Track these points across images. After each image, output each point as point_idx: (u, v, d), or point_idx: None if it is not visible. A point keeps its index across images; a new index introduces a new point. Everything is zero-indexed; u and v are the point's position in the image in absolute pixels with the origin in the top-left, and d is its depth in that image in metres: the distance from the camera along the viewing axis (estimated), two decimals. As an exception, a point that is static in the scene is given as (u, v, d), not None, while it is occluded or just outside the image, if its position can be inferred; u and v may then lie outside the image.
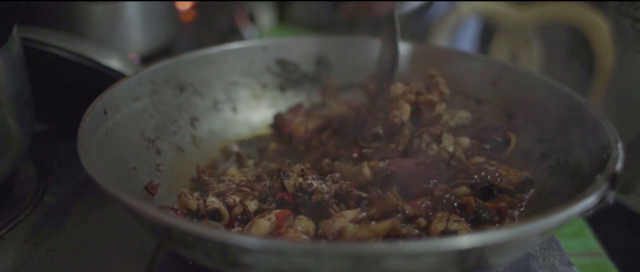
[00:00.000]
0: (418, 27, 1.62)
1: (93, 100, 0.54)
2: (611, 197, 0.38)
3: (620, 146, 0.44)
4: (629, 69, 0.77)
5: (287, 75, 0.71)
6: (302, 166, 0.52)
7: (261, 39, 0.70)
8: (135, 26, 1.05)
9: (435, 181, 0.52)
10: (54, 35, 0.73)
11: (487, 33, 1.61)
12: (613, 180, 0.39)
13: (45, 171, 0.69)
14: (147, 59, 1.07)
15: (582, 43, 1.41)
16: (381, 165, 0.53)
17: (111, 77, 0.72)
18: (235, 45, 0.69)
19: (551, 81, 0.58)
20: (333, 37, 0.72)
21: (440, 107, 0.59)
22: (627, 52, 0.79)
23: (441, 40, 1.57)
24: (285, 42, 0.70)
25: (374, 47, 0.70)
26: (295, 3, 1.69)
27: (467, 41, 1.72)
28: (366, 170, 0.52)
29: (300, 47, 0.70)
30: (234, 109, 0.69)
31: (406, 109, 0.57)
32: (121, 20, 1.02)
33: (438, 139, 0.54)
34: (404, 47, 0.69)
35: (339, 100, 0.70)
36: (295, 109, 0.69)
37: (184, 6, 1.41)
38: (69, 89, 0.75)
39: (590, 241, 0.65)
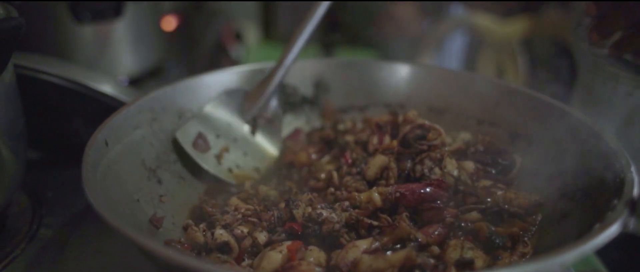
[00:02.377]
0: (404, 40, 1.63)
1: (87, 128, 0.53)
2: (632, 224, 0.38)
3: (634, 169, 0.44)
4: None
5: (286, 99, 0.70)
6: (310, 195, 0.51)
7: (259, 63, 0.69)
8: (123, 48, 1.03)
9: (444, 201, 0.52)
10: (46, 62, 0.71)
11: (474, 47, 1.63)
12: (633, 206, 0.38)
13: (39, 202, 0.67)
14: (136, 81, 1.06)
15: (565, 56, 1.42)
16: (389, 189, 0.52)
17: (104, 102, 0.71)
18: (233, 70, 0.68)
19: (556, 103, 0.58)
20: (331, 60, 0.71)
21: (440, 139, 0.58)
22: (608, 84, 0.81)
23: (428, 53, 1.58)
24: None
25: (371, 69, 0.70)
26: (281, 20, 1.70)
27: (453, 55, 1.73)
28: (376, 196, 0.51)
29: (299, 70, 0.69)
30: (233, 134, 0.67)
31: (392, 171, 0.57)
32: (110, 42, 1.01)
33: (440, 164, 0.54)
34: (404, 69, 0.68)
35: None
36: (294, 135, 0.68)
37: (169, 27, 1.40)
38: (61, 115, 0.74)
39: (592, 259, 0.65)
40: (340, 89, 0.71)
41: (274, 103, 0.67)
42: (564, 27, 1.41)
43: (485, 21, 1.56)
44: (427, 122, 0.57)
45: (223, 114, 0.65)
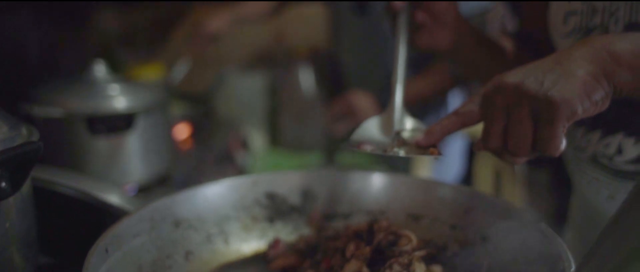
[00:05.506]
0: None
1: (94, 235, 0.59)
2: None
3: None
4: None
5: (275, 208, 0.76)
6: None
7: (252, 175, 0.76)
8: (134, 158, 1.11)
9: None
10: (60, 174, 0.79)
11: (472, 152, 1.69)
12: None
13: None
14: (145, 188, 1.13)
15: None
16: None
17: (110, 213, 0.78)
18: (228, 181, 0.75)
19: (513, 207, 0.64)
20: (318, 171, 0.78)
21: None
22: (591, 187, 0.85)
23: (427, 160, 1.64)
24: (274, 177, 0.77)
25: (353, 179, 0.76)
26: (285, 128, 1.79)
27: (454, 156, 1.79)
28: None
29: (288, 181, 0.76)
30: (226, 241, 0.73)
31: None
32: (121, 153, 1.09)
33: (408, 268, 0.58)
34: (383, 179, 0.75)
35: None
36: (273, 245, 0.74)
37: (181, 135, 1.49)
38: (71, 223, 0.81)
39: None
40: (326, 198, 0.77)
41: (409, 119, 0.72)
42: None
43: (480, 126, 1.63)
44: (399, 230, 0.62)
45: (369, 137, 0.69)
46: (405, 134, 0.68)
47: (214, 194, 0.73)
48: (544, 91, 0.54)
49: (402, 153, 0.63)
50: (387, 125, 0.70)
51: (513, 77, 0.57)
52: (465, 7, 1.49)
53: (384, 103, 1.55)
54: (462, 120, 0.63)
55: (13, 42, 1.24)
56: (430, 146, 0.63)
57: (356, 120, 1.54)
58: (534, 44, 0.98)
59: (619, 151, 0.77)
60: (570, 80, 0.55)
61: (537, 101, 0.55)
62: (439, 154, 0.62)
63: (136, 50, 2.11)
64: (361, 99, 1.55)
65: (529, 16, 1.01)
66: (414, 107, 1.59)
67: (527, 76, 0.56)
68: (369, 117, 0.71)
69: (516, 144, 0.58)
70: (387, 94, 1.56)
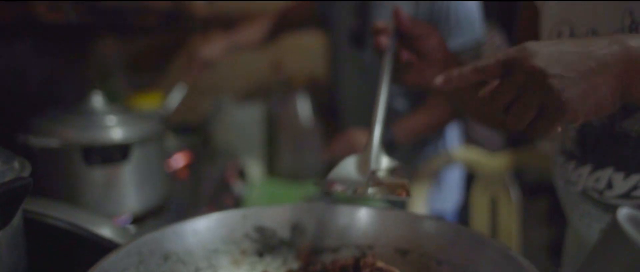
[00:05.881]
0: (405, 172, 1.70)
1: (83, 269, 0.59)
2: None
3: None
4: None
5: (265, 241, 0.77)
6: None
7: (241, 209, 0.77)
8: (129, 188, 1.12)
9: None
10: (52, 206, 0.80)
11: (471, 178, 1.70)
12: None
13: None
14: (140, 219, 1.14)
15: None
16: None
17: (101, 246, 0.78)
18: (217, 215, 0.76)
19: (492, 241, 0.64)
20: (306, 204, 0.79)
21: None
22: (584, 221, 0.85)
23: (423, 188, 1.65)
24: (263, 210, 0.77)
25: (342, 213, 0.77)
26: (282, 158, 1.80)
27: (451, 185, 1.80)
28: None
29: (277, 214, 0.77)
30: (215, 275, 0.74)
31: None
32: (116, 183, 1.10)
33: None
34: (371, 213, 0.76)
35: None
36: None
37: (177, 164, 1.50)
38: (61, 255, 0.81)
39: None
40: (315, 232, 0.78)
41: (385, 158, 0.73)
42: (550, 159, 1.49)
43: (477, 155, 1.64)
44: (384, 266, 0.63)
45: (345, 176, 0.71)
46: (381, 174, 0.69)
47: (203, 228, 0.74)
48: (563, 97, 0.57)
49: (371, 194, 0.64)
50: (364, 165, 0.71)
51: (541, 60, 0.58)
52: (459, 41, 1.51)
53: (383, 141, 1.56)
54: (479, 76, 0.65)
55: (13, 72, 1.26)
56: (445, 86, 0.67)
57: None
58: None
59: (609, 185, 0.78)
60: (590, 96, 0.58)
61: (552, 100, 0.57)
62: (408, 195, 0.63)
63: (136, 79, 2.14)
64: (360, 137, 1.56)
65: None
66: (412, 139, 1.61)
67: (553, 66, 0.57)
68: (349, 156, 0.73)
69: (514, 119, 0.61)
70: (387, 131, 1.57)
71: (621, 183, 0.77)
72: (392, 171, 0.70)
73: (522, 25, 0.99)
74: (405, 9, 1.54)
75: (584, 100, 0.57)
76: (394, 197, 0.64)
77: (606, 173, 0.78)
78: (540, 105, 0.59)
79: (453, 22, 1.52)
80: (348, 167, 0.72)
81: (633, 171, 0.75)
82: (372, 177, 0.68)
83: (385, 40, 0.83)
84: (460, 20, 1.52)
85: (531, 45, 0.60)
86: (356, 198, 0.66)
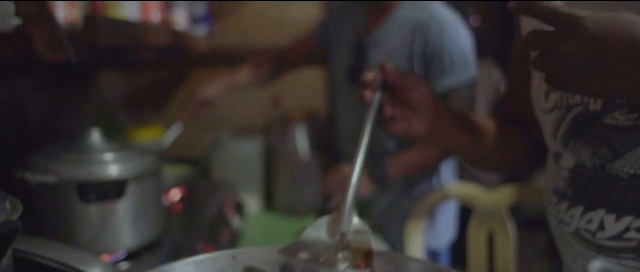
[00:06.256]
0: (402, 209, 1.70)
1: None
2: None
3: None
4: None
5: (254, 282, 0.77)
6: None
7: (230, 250, 0.77)
8: (125, 225, 1.12)
9: None
10: (43, 245, 0.81)
11: (466, 213, 1.69)
12: None
13: None
14: (135, 255, 1.14)
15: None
16: None
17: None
18: (207, 256, 0.76)
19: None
20: (295, 245, 0.79)
21: None
22: (577, 261, 0.85)
23: (419, 223, 1.64)
24: (253, 251, 0.78)
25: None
26: (280, 192, 1.80)
27: (446, 221, 1.79)
28: None
29: (267, 255, 0.77)
30: (204, 317, 0.74)
31: None
32: (112, 219, 1.10)
33: None
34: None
35: None
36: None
37: (174, 198, 1.51)
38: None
39: None
40: (304, 272, 0.78)
41: (356, 219, 0.75)
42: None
43: (473, 190, 1.64)
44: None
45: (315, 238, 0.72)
46: (350, 236, 0.71)
47: (193, 269, 0.74)
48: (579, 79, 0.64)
49: (333, 263, 0.66)
50: (335, 226, 0.73)
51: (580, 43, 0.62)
52: (453, 80, 1.52)
53: (376, 177, 1.57)
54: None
55: (13, 108, 1.28)
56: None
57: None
58: (520, 120, 1.00)
59: (601, 226, 0.78)
60: (602, 81, 0.63)
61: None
62: (370, 269, 0.65)
63: (136, 113, 2.16)
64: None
65: (513, 91, 1.04)
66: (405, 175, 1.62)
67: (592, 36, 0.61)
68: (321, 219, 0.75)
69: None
70: (380, 168, 1.58)
71: (613, 225, 0.77)
72: (358, 233, 0.71)
73: (516, 66, 1.01)
74: (400, 49, 1.57)
75: (598, 83, 0.63)
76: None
77: (598, 215, 0.78)
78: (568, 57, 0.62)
79: (447, 62, 1.53)
80: (320, 227, 0.74)
81: (624, 213, 0.76)
82: (341, 239, 0.70)
83: (369, 94, 0.84)
84: (454, 59, 1.54)
85: (584, 22, 0.62)
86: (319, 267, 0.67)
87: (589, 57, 0.61)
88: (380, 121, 0.87)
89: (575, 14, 0.62)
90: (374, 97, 0.84)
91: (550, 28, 0.64)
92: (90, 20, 0.91)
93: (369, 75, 0.86)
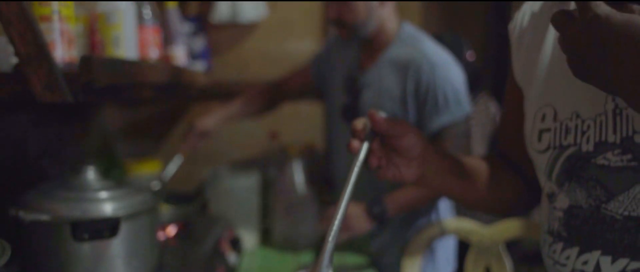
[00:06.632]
0: (400, 245, 1.70)
1: None
2: None
3: None
4: None
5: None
6: None
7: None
8: (118, 263, 1.12)
9: None
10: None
11: (464, 248, 1.69)
12: None
13: None
14: (128, 292, 1.13)
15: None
16: None
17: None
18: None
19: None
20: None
21: None
22: None
23: (420, 256, 1.64)
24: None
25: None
26: (277, 226, 1.80)
27: (444, 257, 1.79)
28: None
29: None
30: None
31: None
32: (106, 258, 1.10)
33: None
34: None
35: None
36: None
37: (170, 234, 1.51)
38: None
39: None
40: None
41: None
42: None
43: (470, 225, 1.63)
44: None
45: None
46: None
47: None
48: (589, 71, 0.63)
49: None
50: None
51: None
52: (447, 118, 1.53)
53: (375, 215, 1.57)
54: None
55: (10, 145, 1.29)
56: None
57: (348, 231, 1.55)
58: (513, 161, 1.00)
59: (598, 268, 0.78)
60: (609, 73, 0.61)
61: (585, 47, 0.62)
62: None
63: (135, 146, 2.17)
64: (353, 209, 1.57)
65: (505, 131, 1.04)
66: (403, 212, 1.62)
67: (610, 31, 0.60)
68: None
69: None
70: (379, 205, 1.57)
71: (609, 267, 0.76)
72: None
73: (508, 106, 1.01)
74: (393, 89, 1.58)
75: (605, 74, 0.61)
76: None
77: (594, 256, 0.78)
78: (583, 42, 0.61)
79: (441, 101, 1.54)
80: None
81: (620, 255, 0.75)
82: None
83: (357, 145, 0.84)
84: (447, 97, 1.54)
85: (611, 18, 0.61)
86: None
87: (604, 51, 0.60)
88: (370, 167, 0.87)
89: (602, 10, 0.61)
90: (362, 147, 0.84)
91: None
92: (87, 60, 0.92)
93: (359, 124, 0.86)
